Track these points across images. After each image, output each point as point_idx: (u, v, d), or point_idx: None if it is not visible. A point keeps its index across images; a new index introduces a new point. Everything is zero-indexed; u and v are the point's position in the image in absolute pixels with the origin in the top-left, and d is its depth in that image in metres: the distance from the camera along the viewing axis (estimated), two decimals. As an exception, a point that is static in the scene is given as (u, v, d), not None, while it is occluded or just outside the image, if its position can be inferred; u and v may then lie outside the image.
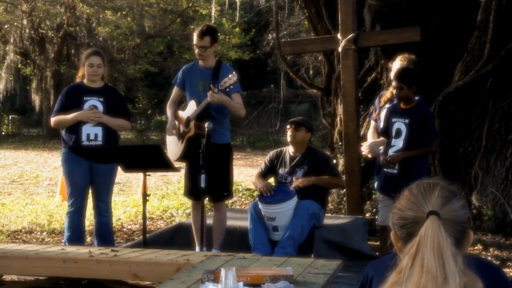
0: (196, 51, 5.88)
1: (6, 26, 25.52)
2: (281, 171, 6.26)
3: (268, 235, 5.95)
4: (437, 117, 7.48)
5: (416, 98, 5.56)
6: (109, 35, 26.44)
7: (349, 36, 7.16)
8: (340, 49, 7.26)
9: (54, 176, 13.91)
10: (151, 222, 8.55)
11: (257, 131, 26.23)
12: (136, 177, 12.93)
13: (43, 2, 24.76)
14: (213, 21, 23.46)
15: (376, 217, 6.69)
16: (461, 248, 1.76)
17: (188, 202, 8.36)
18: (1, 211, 9.41)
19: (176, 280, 3.65)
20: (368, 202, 7.82)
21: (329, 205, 8.04)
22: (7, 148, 23.04)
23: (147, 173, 5.90)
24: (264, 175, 6.36)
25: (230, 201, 9.37)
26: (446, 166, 7.63)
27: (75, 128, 5.99)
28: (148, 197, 5.95)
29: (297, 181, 6.04)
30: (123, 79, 29.15)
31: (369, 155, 6.12)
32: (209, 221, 6.03)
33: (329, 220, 6.54)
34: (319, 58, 13.38)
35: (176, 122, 5.98)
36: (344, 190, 7.63)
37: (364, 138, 7.32)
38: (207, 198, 5.99)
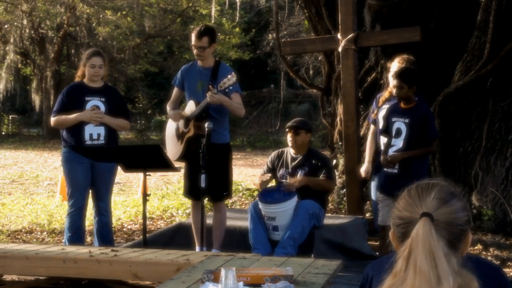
0: (195, 51, 5.88)
1: (6, 26, 25.51)
2: (282, 171, 6.28)
3: (268, 235, 5.96)
4: (437, 117, 7.48)
5: (416, 99, 5.56)
6: (109, 35, 26.43)
7: (349, 36, 7.16)
8: (340, 49, 7.26)
9: (54, 176, 13.91)
10: (151, 222, 8.55)
11: (257, 131, 26.22)
12: (136, 177, 12.93)
13: (43, 2, 24.75)
14: (213, 21, 23.46)
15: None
16: (456, 249, 1.76)
17: (188, 202, 8.35)
18: (1, 211, 9.41)
19: (176, 280, 3.65)
20: (368, 202, 7.82)
21: (329, 205, 8.04)
22: (7, 148, 23.04)
23: (147, 173, 5.90)
24: (266, 175, 6.40)
25: (230, 201, 9.38)
26: (446, 166, 7.63)
27: (77, 128, 5.99)
28: (148, 197, 5.95)
29: (288, 183, 6.05)
30: (123, 79, 29.14)
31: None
32: (209, 221, 6.03)
33: (329, 220, 6.54)
34: (319, 58, 13.37)
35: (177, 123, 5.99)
36: (344, 190, 7.63)
37: (364, 139, 7.34)
38: (206, 198, 5.99)
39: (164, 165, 5.74)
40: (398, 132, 5.52)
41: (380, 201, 5.72)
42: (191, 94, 5.93)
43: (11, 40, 25.14)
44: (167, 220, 8.85)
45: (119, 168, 6.04)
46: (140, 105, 27.53)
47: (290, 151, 6.34)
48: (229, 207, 8.53)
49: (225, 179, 5.89)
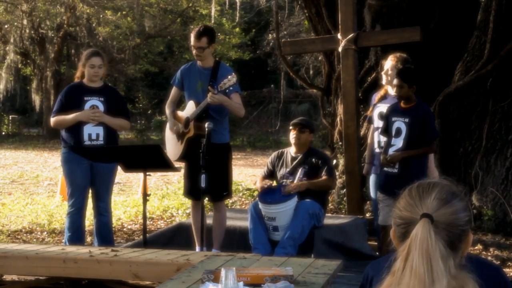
0: (194, 52, 5.88)
1: (6, 26, 25.52)
2: (282, 171, 6.28)
3: (268, 235, 5.96)
4: (437, 117, 7.48)
5: (416, 99, 5.56)
6: (109, 35, 26.43)
7: (349, 36, 7.16)
8: (340, 49, 7.26)
9: (54, 176, 13.91)
10: (151, 222, 8.54)
11: (257, 131, 26.22)
12: (136, 177, 12.93)
13: (43, 2, 24.75)
14: (213, 21, 23.46)
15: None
16: (457, 250, 1.76)
17: (188, 202, 8.35)
18: (1, 211, 9.41)
19: (176, 280, 3.65)
20: (368, 202, 7.82)
21: (329, 205, 8.04)
22: (7, 148, 23.04)
23: (147, 173, 5.90)
24: (267, 178, 6.41)
25: (230, 201, 9.38)
26: (446, 166, 7.63)
27: (76, 128, 5.99)
28: (148, 197, 5.95)
29: (289, 187, 6.04)
30: (123, 79, 29.14)
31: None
32: (209, 221, 6.03)
33: (329, 220, 6.54)
34: (319, 58, 13.38)
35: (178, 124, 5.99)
36: (344, 190, 7.63)
37: (364, 139, 7.34)
38: (206, 198, 5.99)
39: (164, 165, 5.74)
40: (398, 132, 5.52)
41: (381, 201, 5.73)
42: (191, 94, 5.93)
43: (11, 40, 25.15)
44: (167, 220, 8.84)
45: (119, 168, 6.04)
46: (140, 105, 27.55)
47: (290, 151, 6.34)
48: (229, 207, 8.53)
49: (225, 179, 5.89)
